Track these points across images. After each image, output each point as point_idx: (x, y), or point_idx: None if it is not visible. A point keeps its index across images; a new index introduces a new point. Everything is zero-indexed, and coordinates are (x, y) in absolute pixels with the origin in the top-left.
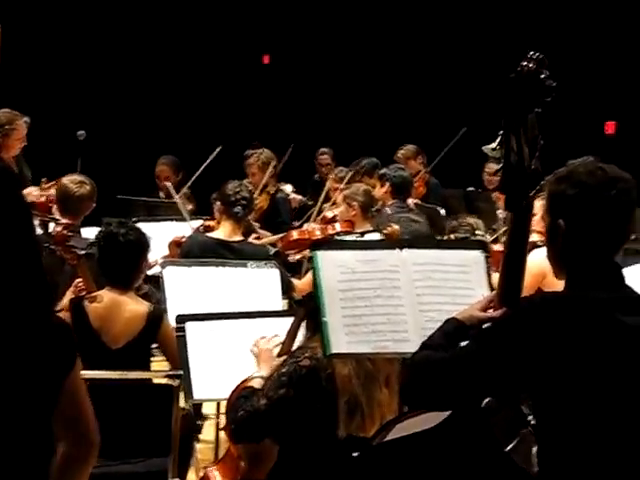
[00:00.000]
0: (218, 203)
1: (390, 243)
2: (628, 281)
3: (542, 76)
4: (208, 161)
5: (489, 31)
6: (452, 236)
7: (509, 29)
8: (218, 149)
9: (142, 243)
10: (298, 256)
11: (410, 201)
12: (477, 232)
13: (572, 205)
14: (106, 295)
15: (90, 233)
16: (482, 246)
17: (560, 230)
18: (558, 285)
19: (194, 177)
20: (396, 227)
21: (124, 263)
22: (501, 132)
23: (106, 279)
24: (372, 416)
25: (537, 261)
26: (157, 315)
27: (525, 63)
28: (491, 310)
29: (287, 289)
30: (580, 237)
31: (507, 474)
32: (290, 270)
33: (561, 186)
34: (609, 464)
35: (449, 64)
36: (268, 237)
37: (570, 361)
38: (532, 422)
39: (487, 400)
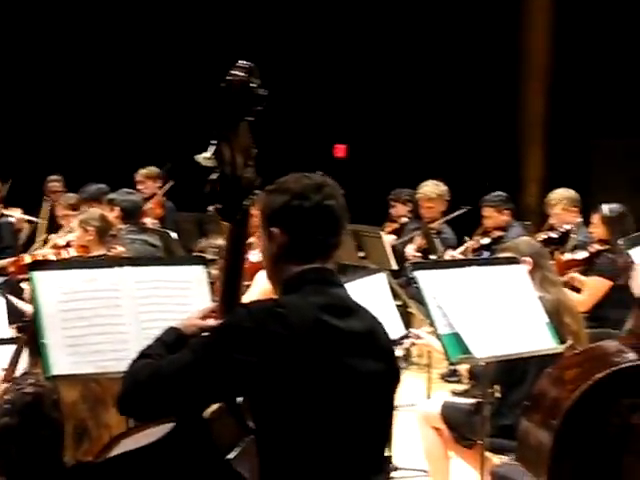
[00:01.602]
0: None
1: (109, 261)
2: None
3: (252, 85)
4: None
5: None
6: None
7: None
8: None
9: None
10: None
11: (148, 220)
12: None
13: (281, 213)
14: None
15: None
16: (203, 262)
17: (274, 238)
18: None
19: None
20: (121, 249)
21: None
22: (214, 142)
23: None
24: (100, 439)
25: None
26: None
27: (235, 72)
28: (212, 320)
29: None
30: (294, 242)
31: None
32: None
33: (271, 195)
34: (326, 473)
35: (170, 83)
36: None
37: (284, 367)
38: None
39: (210, 409)
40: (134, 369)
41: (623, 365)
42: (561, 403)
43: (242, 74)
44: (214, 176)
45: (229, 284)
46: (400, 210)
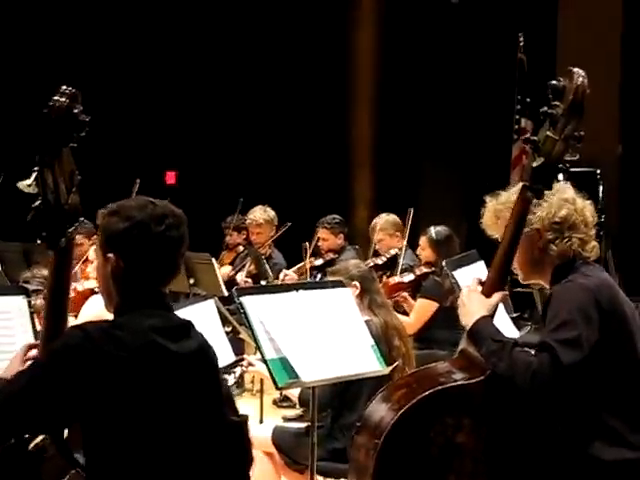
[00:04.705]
0: None
1: None
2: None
3: (75, 111)
4: None
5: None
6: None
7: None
8: None
9: None
10: None
11: None
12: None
13: (122, 238)
14: None
15: None
16: (23, 292)
17: (109, 262)
18: None
19: None
20: None
21: None
22: (36, 168)
23: None
24: None
25: (98, 308)
26: None
27: (57, 98)
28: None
29: None
30: (130, 270)
31: None
32: None
33: (112, 219)
34: None
35: None
36: None
37: (118, 390)
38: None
39: (35, 441)
40: None
41: (448, 385)
42: (384, 423)
43: (64, 100)
44: (37, 203)
45: (54, 314)
46: (236, 238)
